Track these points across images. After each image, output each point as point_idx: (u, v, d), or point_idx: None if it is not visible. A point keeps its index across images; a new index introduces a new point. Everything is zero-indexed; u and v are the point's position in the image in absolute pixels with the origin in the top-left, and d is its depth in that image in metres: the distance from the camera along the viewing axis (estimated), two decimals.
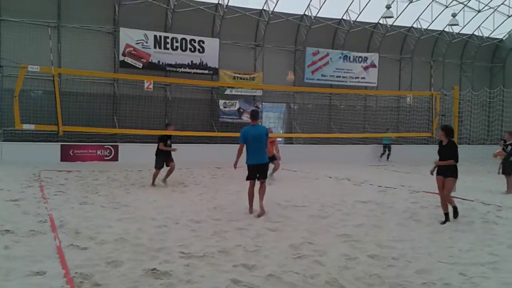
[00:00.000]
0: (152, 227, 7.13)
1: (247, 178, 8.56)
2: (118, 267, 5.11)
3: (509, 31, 27.07)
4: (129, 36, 19.95)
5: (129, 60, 19.95)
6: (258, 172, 8.49)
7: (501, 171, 12.02)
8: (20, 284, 4.52)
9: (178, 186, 12.10)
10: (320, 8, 22.78)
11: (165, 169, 12.17)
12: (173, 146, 12.36)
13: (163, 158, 12.05)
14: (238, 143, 8.57)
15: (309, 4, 22.83)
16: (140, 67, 20.09)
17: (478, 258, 5.75)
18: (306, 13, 23.25)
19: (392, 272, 5.19)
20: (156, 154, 12.08)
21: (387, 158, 23.16)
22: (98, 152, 18.87)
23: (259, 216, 8.02)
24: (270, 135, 13.15)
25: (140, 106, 20.16)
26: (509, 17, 25.69)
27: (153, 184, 11.93)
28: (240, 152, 8.45)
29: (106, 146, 19.06)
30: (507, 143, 11.87)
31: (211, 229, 7.11)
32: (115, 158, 18.95)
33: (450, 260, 5.69)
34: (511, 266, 5.40)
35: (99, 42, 19.94)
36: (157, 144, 12.13)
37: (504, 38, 27.68)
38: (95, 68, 18.18)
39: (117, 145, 19.26)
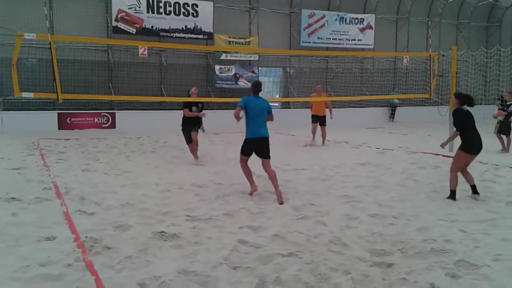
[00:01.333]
0: (156, 192, 7.24)
1: (242, 152, 7.30)
2: (126, 231, 5.22)
3: None
4: (121, 1, 19.53)
5: (122, 25, 19.60)
6: (256, 148, 7.19)
7: (497, 130, 12.12)
8: (32, 249, 4.62)
9: (178, 152, 12.16)
10: None
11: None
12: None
13: (188, 129, 10.34)
14: (233, 109, 7.45)
15: None
16: (134, 32, 19.76)
17: (478, 216, 5.91)
18: None
19: (393, 230, 5.34)
20: (182, 125, 10.46)
21: (393, 119, 23.51)
22: (96, 120, 18.83)
23: (280, 203, 6.65)
24: (319, 97, 13.31)
25: (135, 73, 19.97)
26: None
27: (196, 157, 10.44)
28: (236, 116, 7.20)
29: (103, 114, 19.00)
30: (507, 103, 11.91)
31: (214, 193, 7.23)
32: (112, 126, 18.93)
33: (450, 218, 5.85)
34: (510, 223, 5.56)
35: (91, 8, 19.52)
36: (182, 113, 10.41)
37: None
38: (87, 35, 17.88)
39: (114, 113, 19.19)
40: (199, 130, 10.56)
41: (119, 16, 19.50)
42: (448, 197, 6.81)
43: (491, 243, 4.87)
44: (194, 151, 10.44)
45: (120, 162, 10.39)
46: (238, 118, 7.25)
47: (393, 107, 24.08)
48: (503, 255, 4.49)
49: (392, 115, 24.10)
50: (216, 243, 4.85)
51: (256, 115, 7.09)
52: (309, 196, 7.09)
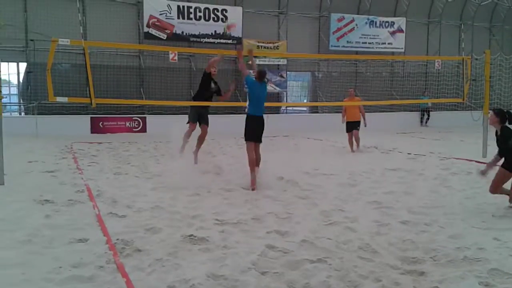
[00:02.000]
0: (185, 196, 7.30)
1: (246, 137, 8.18)
2: (156, 234, 5.29)
3: None
4: (152, 7, 19.91)
5: (153, 31, 19.96)
6: (257, 129, 8.15)
7: None
8: (65, 251, 4.72)
9: (206, 155, 12.24)
10: None
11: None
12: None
13: (199, 109, 9.74)
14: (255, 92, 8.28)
15: None
16: (165, 38, 20.09)
17: None
18: None
19: (425, 238, 5.23)
20: (193, 99, 10.05)
21: (426, 122, 23.09)
22: (127, 124, 19.18)
23: (253, 190, 7.76)
24: (352, 101, 13.12)
25: (165, 78, 20.28)
26: None
27: (183, 148, 9.76)
28: (243, 68, 8.55)
29: (134, 118, 19.35)
30: None
31: (243, 197, 7.25)
32: (143, 130, 19.25)
33: (483, 225, 5.69)
34: None
35: (123, 14, 19.97)
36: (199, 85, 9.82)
37: None
38: (120, 40, 18.29)
39: (145, 117, 19.52)
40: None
41: (150, 22, 19.87)
42: None
43: None
44: (189, 134, 9.69)
45: (151, 165, 10.54)
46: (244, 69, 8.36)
47: (424, 111, 23.62)
48: None
49: (423, 119, 23.65)
50: (244, 247, 4.85)
51: (258, 99, 8.15)
52: (338, 201, 7.02)
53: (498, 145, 6.54)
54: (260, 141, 8.26)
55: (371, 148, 13.99)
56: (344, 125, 13.23)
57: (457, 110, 22.64)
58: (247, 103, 8.27)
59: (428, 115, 23.58)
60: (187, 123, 9.95)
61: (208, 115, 10.02)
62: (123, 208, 6.45)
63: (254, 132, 8.13)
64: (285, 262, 4.45)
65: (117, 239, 5.00)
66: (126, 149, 13.73)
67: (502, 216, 6.15)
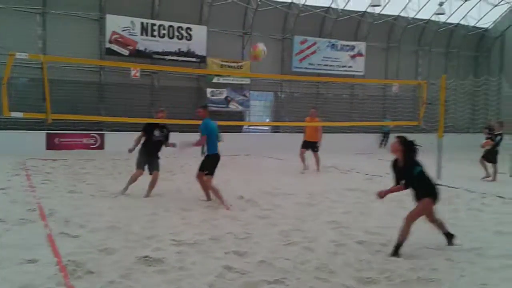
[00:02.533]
0: (143, 215, 7.15)
1: (213, 171, 8.17)
2: (110, 255, 5.14)
3: (495, 20, 27.32)
4: (115, 23, 19.69)
5: (115, 47, 19.70)
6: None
7: (483, 157, 12.23)
8: (14, 272, 4.53)
9: (166, 174, 12.07)
10: None
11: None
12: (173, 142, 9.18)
13: (146, 157, 8.99)
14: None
15: None
16: (127, 54, 19.86)
17: (464, 245, 5.90)
18: (294, 1, 23.16)
19: (380, 258, 5.31)
20: (140, 149, 9.13)
21: (385, 145, 23.55)
22: (84, 141, 18.70)
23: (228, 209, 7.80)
24: (312, 121, 13.26)
25: (126, 94, 19.95)
26: (495, 6, 25.90)
27: (125, 189, 8.91)
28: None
29: (92, 135, 18.90)
30: (495, 133, 12.08)
31: (201, 217, 7.18)
32: (101, 147, 18.81)
33: (437, 246, 5.83)
34: (496, 252, 5.55)
35: (85, 29, 19.64)
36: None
37: (489, 27, 27.92)
38: (80, 55, 17.90)
39: (103, 134, 19.11)
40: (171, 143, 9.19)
41: (112, 38, 19.62)
42: (393, 254, 5.35)
43: (477, 272, 4.85)
44: (134, 178, 8.98)
45: (108, 184, 10.29)
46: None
47: (385, 134, 24.10)
48: (488, 285, 4.47)
49: (383, 142, 24.14)
50: (201, 268, 4.77)
51: (215, 135, 8.37)
52: (297, 221, 7.05)
53: (398, 176, 5.91)
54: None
55: (331, 168, 14.20)
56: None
57: (413, 132, 23.32)
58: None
59: (387, 138, 24.04)
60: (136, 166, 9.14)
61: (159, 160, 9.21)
62: (76, 228, 6.24)
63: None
64: (242, 284, 4.40)
65: (69, 260, 4.82)
66: (82, 166, 13.38)
67: (454, 237, 6.32)
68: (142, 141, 9.10)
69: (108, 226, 6.37)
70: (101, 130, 19.45)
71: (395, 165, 5.94)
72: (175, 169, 13.31)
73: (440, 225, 5.96)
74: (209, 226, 6.60)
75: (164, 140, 9.18)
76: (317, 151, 13.41)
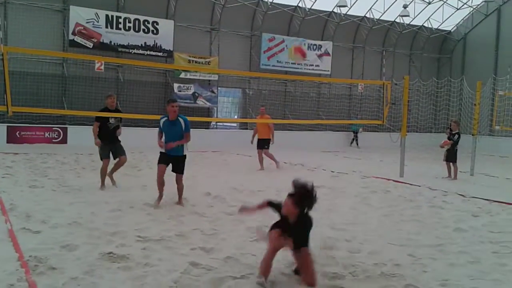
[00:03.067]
0: (106, 211, 7.01)
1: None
2: (73, 251, 5.01)
3: (457, 23, 28.17)
4: (79, 15, 19.22)
5: (79, 39, 19.24)
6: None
7: (445, 158, 12.61)
8: None
9: (132, 170, 11.89)
10: None
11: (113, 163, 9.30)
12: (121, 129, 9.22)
13: (109, 145, 9.01)
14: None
15: None
16: (91, 47, 19.43)
17: (426, 241, 6.05)
18: None
19: (345, 254, 5.38)
20: (99, 137, 9.01)
21: (357, 143, 23.82)
22: (46, 134, 18.20)
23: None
24: (265, 119, 13.02)
25: (90, 88, 19.54)
26: (458, 9, 26.71)
27: (102, 185, 8.99)
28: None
29: (54, 128, 18.40)
30: (453, 132, 12.46)
31: (167, 213, 7.08)
32: (63, 141, 18.35)
33: (400, 242, 5.96)
34: (457, 248, 5.71)
35: (47, 20, 19.09)
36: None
37: (452, 30, 28.78)
38: (43, 47, 17.41)
39: (66, 127, 18.65)
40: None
41: (76, 30, 19.15)
42: None
43: (439, 268, 4.98)
44: (105, 171, 8.98)
45: (70, 179, 10.03)
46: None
47: (354, 133, 24.35)
48: (450, 280, 4.60)
49: (353, 140, 24.36)
50: (167, 265, 4.71)
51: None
52: (264, 217, 7.04)
53: (282, 226, 4.57)
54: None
55: (298, 165, 14.31)
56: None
57: (377, 131, 23.83)
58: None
59: (357, 137, 24.38)
60: (100, 159, 9.12)
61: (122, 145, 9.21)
62: (38, 223, 6.06)
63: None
64: (208, 280, 4.37)
65: (30, 256, 4.68)
66: (44, 160, 12.99)
67: (417, 233, 6.49)
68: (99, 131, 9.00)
69: (70, 221, 6.20)
70: (64, 124, 18.96)
71: (285, 220, 4.57)
72: (141, 164, 13.10)
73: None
74: (175, 223, 6.53)
75: (119, 124, 9.20)
76: (267, 148, 13.03)
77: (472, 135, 13.68)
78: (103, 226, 6.10)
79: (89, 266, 4.57)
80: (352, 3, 24.32)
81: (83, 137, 17.85)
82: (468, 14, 27.47)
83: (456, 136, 12.35)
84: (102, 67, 18.83)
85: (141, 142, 15.74)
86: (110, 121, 9.01)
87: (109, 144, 9.00)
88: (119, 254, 4.92)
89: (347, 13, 25.18)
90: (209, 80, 22.53)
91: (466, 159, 13.41)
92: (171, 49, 21.02)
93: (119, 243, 5.36)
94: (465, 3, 26.26)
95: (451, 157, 12.37)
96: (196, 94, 21.74)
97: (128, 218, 6.65)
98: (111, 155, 9.09)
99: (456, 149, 12.36)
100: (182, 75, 21.42)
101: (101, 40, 19.67)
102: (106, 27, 19.75)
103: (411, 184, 10.71)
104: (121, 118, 9.33)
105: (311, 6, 24.16)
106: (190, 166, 12.00)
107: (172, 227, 6.23)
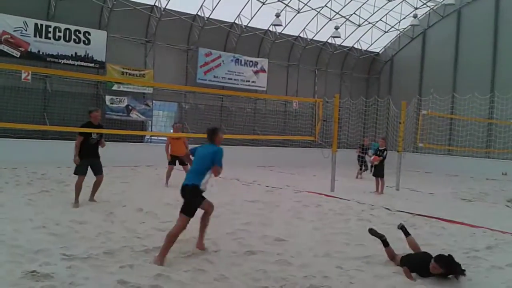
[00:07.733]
0: (30, 228, 6.65)
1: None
2: None
3: (385, 45, 29.73)
4: (6, 23, 18.24)
5: (5, 48, 18.24)
6: None
7: (373, 174, 13.19)
8: None
9: (58, 185, 11.37)
10: (213, 10, 22.89)
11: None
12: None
13: (89, 160, 8.93)
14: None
15: (202, 5, 22.84)
16: (18, 56, 18.46)
17: (353, 253, 6.28)
18: (199, 13, 23.24)
19: (276, 267, 5.46)
20: (79, 155, 8.92)
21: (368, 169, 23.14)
22: None
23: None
24: (177, 134, 12.56)
25: (16, 98, 18.50)
26: (386, 32, 28.21)
27: (76, 201, 8.73)
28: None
29: None
30: (380, 148, 13.09)
31: (96, 230, 6.83)
32: None
33: (328, 254, 6.14)
34: (383, 260, 5.97)
35: None
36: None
37: (380, 52, 30.31)
38: None
39: None
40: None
41: (2, 38, 18.15)
42: None
43: (365, 279, 5.19)
44: (79, 187, 8.85)
45: None
46: None
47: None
48: None
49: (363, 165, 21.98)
50: (94, 284, 4.55)
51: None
52: (197, 232, 6.99)
53: None
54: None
55: (233, 180, 14.35)
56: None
57: (310, 147, 24.47)
58: None
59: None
60: (75, 173, 9.05)
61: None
62: None
63: None
64: None
65: None
66: None
67: (345, 245, 6.71)
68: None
69: None
70: None
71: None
72: (69, 179, 12.54)
73: None
74: (104, 240, 6.31)
75: (99, 139, 9.15)
76: (186, 164, 12.34)
77: (398, 151, 14.43)
78: (26, 244, 5.78)
79: (11, 285, 4.34)
80: (287, 22, 25.00)
81: (7, 150, 16.85)
82: (395, 37, 29.08)
83: (385, 152, 12.98)
84: (29, 77, 17.98)
85: (68, 157, 15.10)
86: (93, 136, 8.96)
87: (90, 158, 8.97)
88: (43, 273, 4.69)
89: (282, 32, 25.82)
90: (144, 93, 22.12)
91: (393, 174, 14.09)
92: (104, 60, 20.46)
93: (43, 262, 5.12)
94: (393, 26, 27.81)
95: (378, 172, 12.94)
96: (130, 107, 21.24)
97: (54, 235, 6.35)
98: (90, 170, 8.99)
99: (383, 165, 12.97)
100: (115, 87, 20.85)
101: (29, 49, 18.77)
102: (35, 36, 18.89)
103: (341, 198, 11.08)
104: (102, 134, 9.28)
105: (247, 24, 24.54)
106: (123, 181, 11.72)
107: (100, 245, 6.03)
